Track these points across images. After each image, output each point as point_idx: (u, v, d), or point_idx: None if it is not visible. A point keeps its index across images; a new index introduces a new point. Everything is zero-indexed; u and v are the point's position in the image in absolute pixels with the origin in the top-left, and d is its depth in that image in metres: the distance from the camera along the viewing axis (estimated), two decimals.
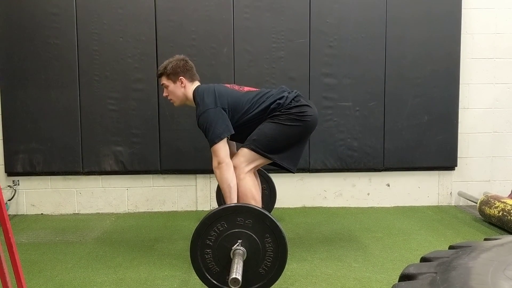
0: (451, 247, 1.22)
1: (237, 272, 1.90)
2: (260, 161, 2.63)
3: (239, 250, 2.06)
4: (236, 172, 2.55)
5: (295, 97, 2.65)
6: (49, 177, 3.83)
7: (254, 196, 2.57)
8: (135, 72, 3.72)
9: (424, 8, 3.79)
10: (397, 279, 2.47)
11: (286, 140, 2.60)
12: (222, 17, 3.72)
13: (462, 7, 3.83)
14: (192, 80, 2.77)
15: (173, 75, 2.73)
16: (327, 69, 3.79)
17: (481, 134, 3.99)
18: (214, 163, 2.54)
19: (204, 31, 3.70)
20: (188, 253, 2.78)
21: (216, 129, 2.53)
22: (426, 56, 3.82)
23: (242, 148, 2.61)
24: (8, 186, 3.77)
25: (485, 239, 1.28)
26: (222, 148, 2.53)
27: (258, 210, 2.16)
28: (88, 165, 3.78)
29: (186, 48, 3.67)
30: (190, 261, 2.16)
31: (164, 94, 2.83)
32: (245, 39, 3.74)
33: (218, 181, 2.57)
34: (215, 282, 2.13)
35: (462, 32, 3.85)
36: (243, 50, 3.74)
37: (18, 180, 3.82)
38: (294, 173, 2.78)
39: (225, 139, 2.55)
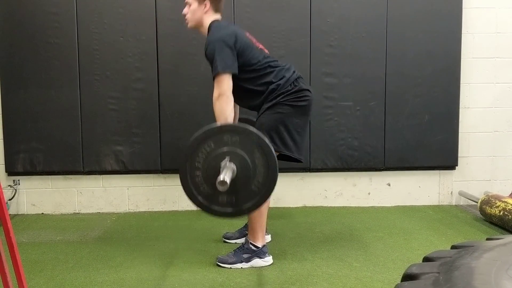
0: (453, 247, 1.22)
1: (224, 175, 1.89)
2: None
3: (227, 163, 2.01)
4: None
5: (295, 79, 2.62)
6: (49, 176, 3.83)
7: None
8: (136, 71, 3.72)
9: (424, 8, 3.78)
10: (399, 279, 2.46)
11: (287, 129, 2.57)
12: (223, 16, 3.70)
13: (463, 6, 3.82)
14: (216, 10, 2.67)
15: None
16: (328, 69, 3.78)
17: (482, 134, 3.99)
18: (215, 94, 2.46)
19: None
20: (189, 253, 2.80)
21: (225, 60, 2.46)
22: (426, 55, 3.82)
23: None
24: (9, 185, 3.77)
25: (487, 239, 1.28)
26: (227, 80, 2.45)
27: (243, 127, 2.13)
28: (89, 165, 3.78)
29: (186, 47, 3.66)
30: (182, 187, 2.10)
31: (184, 11, 2.69)
32: None
33: (215, 114, 2.47)
34: (217, 208, 2.09)
35: (463, 32, 3.84)
36: None
37: (18, 180, 3.82)
38: (302, 162, 2.75)
39: (230, 76, 2.48)
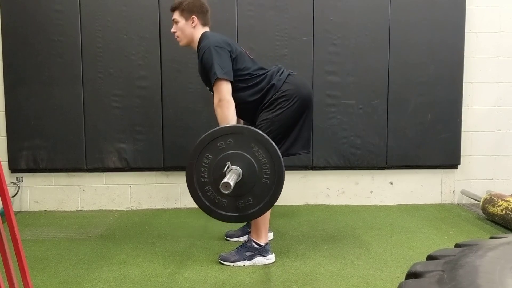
0: (457, 245, 1.22)
1: (228, 178, 1.91)
2: None
3: (231, 169, 2.04)
4: None
5: (286, 77, 2.62)
6: (52, 173, 3.84)
7: None
8: (139, 69, 3.73)
9: (428, 7, 3.77)
10: (401, 277, 2.47)
11: (285, 130, 2.59)
12: (226, 15, 3.71)
13: (466, 5, 3.81)
14: (204, 23, 2.69)
15: (187, 12, 2.64)
16: (331, 67, 3.78)
17: (485, 133, 3.98)
18: (215, 101, 2.47)
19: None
20: (192, 250, 2.80)
21: (223, 67, 2.46)
22: (429, 54, 3.81)
23: None
24: (12, 182, 3.78)
25: (491, 238, 1.28)
26: (225, 86, 2.45)
27: (230, 126, 2.15)
28: (92, 162, 3.79)
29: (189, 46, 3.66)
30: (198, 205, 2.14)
31: (172, 30, 2.72)
32: (249, 37, 3.73)
33: (218, 120, 2.47)
34: (226, 213, 2.13)
35: (466, 30, 3.84)
36: (247, 47, 3.71)
37: (21, 177, 3.83)
38: (309, 153, 2.83)
39: (229, 81, 2.48)
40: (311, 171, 3.91)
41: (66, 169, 3.82)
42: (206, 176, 2.09)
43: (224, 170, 2.04)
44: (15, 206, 3.80)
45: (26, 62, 3.70)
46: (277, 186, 2.10)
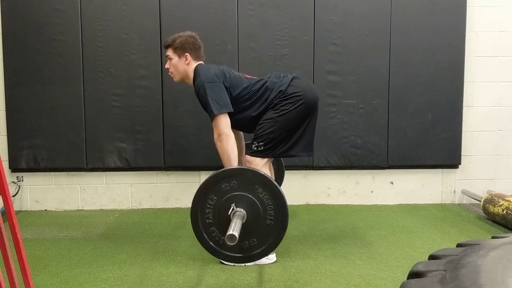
0: (459, 245, 1.22)
1: (233, 229, 1.92)
2: (271, 159, 2.69)
3: (235, 212, 2.07)
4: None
5: (291, 80, 2.65)
6: (53, 173, 3.84)
7: None
8: (139, 68, 3.72)
9: (428, 6, 3.77)
10: (402, 277, 2.47)
11: (288, 131, 2.60)
12: (227, 14, 3.71)
13: (467, 4, 3.81)
14: (197, 59, 2.75)
15: (180, 49, 2.71)
16: (331, 67, 3.78)
17: (485, 132, 3.98)
18: (215, 135, 2.55)
19: (208, 28, 3.69)
20: (192, 250, 2.80)
21: (218, 102, 2.52)
22: (430, 54, 3.81)
23: (253, 158, 2.60)
24: (12, 182, 3.78)
25: (493, 237, 1.28)
26: (223, 120, 2.53)
27: (234, 169, 2.19)
28: (92, 162, 3.79)
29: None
30: (200, 244, 2.18)
31: (166, 66, 2.79)
32: (250, 36, 3.73)
33: (220, 154, 2.55)
34: (231, 254, 2.16)
35: (466, 30, 3.84)
36: (247, 47, 3.74)
37: (22, 176, 3.83)
38: (311, 156, 2.88)
39: (226, 115, 2.54)
40: (311, 171, 3.91)
41: (67, 169, 3.82)
42: (211, 217, 2.13)
43: (229, 213, 2.08)
44: (16, 205, 3.80)
45: (26, 61, 3.70)
46: (281, 227, 2.14)
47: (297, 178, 3.92)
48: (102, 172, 3.86)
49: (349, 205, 3.94)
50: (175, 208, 3.89)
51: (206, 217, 2.13)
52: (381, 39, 3.79)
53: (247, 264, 2.55)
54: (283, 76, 2.69)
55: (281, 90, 2.61)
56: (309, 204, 3.94)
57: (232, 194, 2.10)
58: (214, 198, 2.12)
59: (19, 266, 1.72)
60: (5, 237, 1.64)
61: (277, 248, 2.73)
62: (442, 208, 3.84)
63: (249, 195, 2.10)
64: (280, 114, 2.58)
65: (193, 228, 2.16)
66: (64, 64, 3.71)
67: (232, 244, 1.92)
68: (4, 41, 3.70)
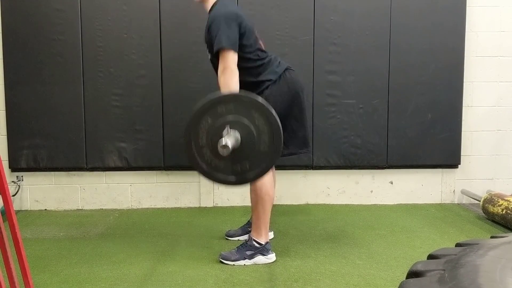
0: (457, 245, 1.22)
1: (226, 139, 1.91)
2: None
3: (229, 130, 2.03)
4: None
5: (283, 71, 2.61)
6: (53, 173, 3.84)
7: (267, 191, 2.59)
8: (139, 68, 3.72)
9: (428, 6, 3.77)
10: (401, 276, 2.47)
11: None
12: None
13: (467, 4, 3.81)
14: None
15: None
16: (331, 66, 3.78)
17: (485, 132, 3.98)
18: (220, 68, 2.45)
19: None
20: (192, 250, 2.80)
21: (230, 37, 2.43)
22: (430, 53, 3.81)
23: None
24: (12, 181, 3.78)
25: (492, 237, 1.28)
26: (232, 55, 2.44)
27: (233, 93, 2.15)
28: (92, 161, 3.79)
29: (190, 45, 3.67)
30: (193, 166, 2.13)
31: None
32: None
33: (220, 88, 2.44)
34: (224, 176, 2.13)
35: (466, 30, 3.83)
36: None
37: (22, 176, 3.83)
38: (308, 152, 2.82)
39: (235, 52, 2.45)
40: (311, 171, 3.91)
41: (67, 168, 3.82)
42: (204, 139, 2.07)
43: (223, 134, 2.02)
44: (16, 205, 3.80)
45: (26, 61, 3.70)
46: (275, 154, 2.09)
47: (296, 178, 3.92)
48: (102, 172, 3.86)
49: (348, 205, 3.94)
50: (175, 207, 3.89)
51: (199, 139, 2.08)
52: (381, 39, 3.79)
53: (246, 263, 2.56)
54: (278, 63, 2.64)
55: (272, 79, 2.58)
56: (308, 204, 3.94)
57: (228, 118, 2.05)
58: (209, 120, 2.06)
59: (19, 265, 1.72)
60: (5, 236, 1.65)
61: (276, 248, 2.76)
62: (441, 208, 3.85)
63: (245, 120, 2.05)
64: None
65: (185, 149, 2.10)
66: (64, 63, 3.71)
67: (225, 153, 1.89)
68: (4, 41, 3.70)
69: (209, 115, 2.07)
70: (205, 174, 2.13)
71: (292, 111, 2.63)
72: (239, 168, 2.10)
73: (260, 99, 2.11)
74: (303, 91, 2.68)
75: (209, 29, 2.52)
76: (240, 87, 2.54)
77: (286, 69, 2.64)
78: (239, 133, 2.05)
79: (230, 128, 2.04)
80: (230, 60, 2.44)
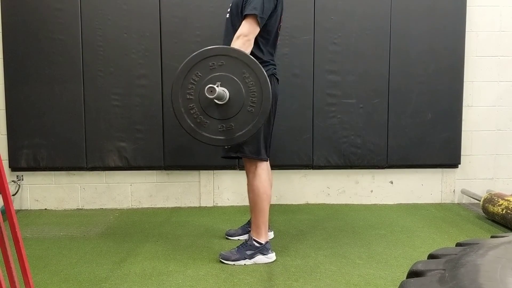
0: (458, 244, 1.22)
1: (214, 85, 1.90)
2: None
3: (219, 87, 2.00)
4: (249, 176, 2.59)
5: (275, 75, 2.58)
6: (53, 172, 3.84)
7: (265, 190, 2.59)
8: (139, 68, 3.72)
9: (428, 5, 3.78)
10: (401, 276, 2.47)
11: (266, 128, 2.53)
12: (227, 13, 3.70)
13: (467, 4, 3.81)
14: None
15: None
16: (331, 66, 3.78)
17: (485, 132, 3.99)
18: (236, 34, 2.34)
19: (208, 27, 3.69)
20: (192, 249, 2.80)
21: (264, 9, 2.34)
22: (430, 53, 3.81)
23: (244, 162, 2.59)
24: (12, 181, 3.78)
25: (492, 237, 1.29)
26: (254, 26, 2.33)
27: (225, 48, 2.11)
28: (92, 161, 3.79)
29: (190, 44, 3.66)
30: (178, 122, 2.11)
31: None
32: None
33: None
34: (210, 135, 2.11)
35: (466, 30, 3.84)
36: None
37: (22, 175, 3.83)
38: (266, 161, 2.66)
39: (259, 26, 2.36)
40: (311, 170, 3.91)
41: (67, 168, 3.82)
42: (192, 93, 2.05)
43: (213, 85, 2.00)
44: (16, 204, 3.80)
45: (26, 60, 3.70)
46: (261, 115, 2.07)
47: (296, 178, 3.92)
48: (102, 172, 3.86)
49: (348, 204, 3.94)
50: (175, 207, 3.89)
51: (187, 93, 2.04)
52: (381, 38, 3.79)
53: (246, 263, 2.56)
54: (275, 67, 2.61)
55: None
56: (308, 204, 3.94)
57: (218, 73, 2.02)
58: (199, 74, 2.03)
59: (19, 265, 1.72)
60: (5, 236, 1.64)
61: (276, 247, 2.76)
62: (441, 207, 3.85)
63: (235, 78, 2.02)
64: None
65: (171, 103, 2.07)
66: (64, 63, 3.71)
67: (211, 96, 1.87)
68: (5, 40, 3.70)
69: (199, 68, 2.03)
70: (191, 131, 2.10)
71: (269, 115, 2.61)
72: (224, 128, 2.08)
73: (252, 58, 2.07)
74: (277, 101, 2.67)
75: None
76: None
77: (276, 74, 2.63)
78: (229, 91, 2.03)
79: (221, 86, 2.02)
80: (250, 30, 2.34)
